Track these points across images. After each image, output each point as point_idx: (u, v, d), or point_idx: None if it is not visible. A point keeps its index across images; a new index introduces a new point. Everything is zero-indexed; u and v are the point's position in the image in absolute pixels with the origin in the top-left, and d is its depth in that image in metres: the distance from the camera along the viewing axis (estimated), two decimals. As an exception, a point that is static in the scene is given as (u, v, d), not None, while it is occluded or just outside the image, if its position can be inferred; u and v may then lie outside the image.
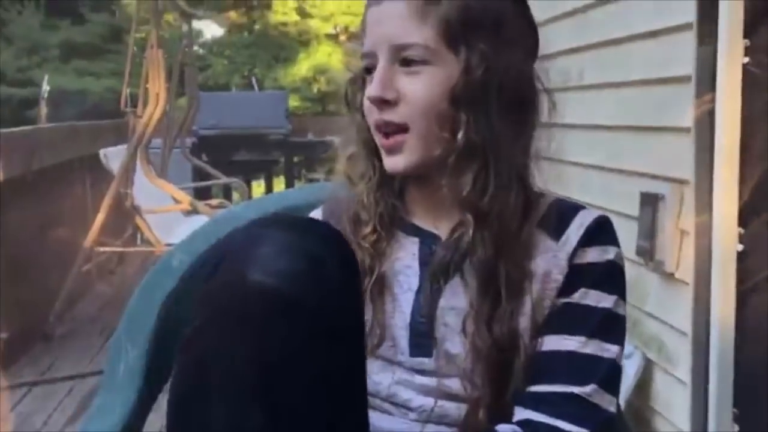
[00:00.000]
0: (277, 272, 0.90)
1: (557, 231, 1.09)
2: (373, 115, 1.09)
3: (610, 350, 1.06)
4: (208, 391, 0.90)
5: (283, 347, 0.90)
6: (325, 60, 16.72)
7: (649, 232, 2.66)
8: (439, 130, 1.06)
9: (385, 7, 1.08)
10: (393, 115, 1.07)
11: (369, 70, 1.09)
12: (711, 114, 2.35)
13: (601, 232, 1.10)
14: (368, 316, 1.08)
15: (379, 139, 1.09)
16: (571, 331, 1.05)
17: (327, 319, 0.92)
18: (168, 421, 0.94)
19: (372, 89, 1.07)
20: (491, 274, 1.05)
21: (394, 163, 1.09)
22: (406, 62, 1.06)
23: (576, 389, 1.03)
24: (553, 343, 1.06)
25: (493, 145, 1.05)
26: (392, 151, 1.08)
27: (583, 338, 1.05)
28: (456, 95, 1.05)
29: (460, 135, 1.05)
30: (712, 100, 2.34)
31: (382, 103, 1.07)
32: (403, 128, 1.07)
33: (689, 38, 2.44)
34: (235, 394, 0.89)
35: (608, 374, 1.05)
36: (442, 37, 1.05)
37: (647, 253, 2.67)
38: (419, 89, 1.06)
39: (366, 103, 1.10)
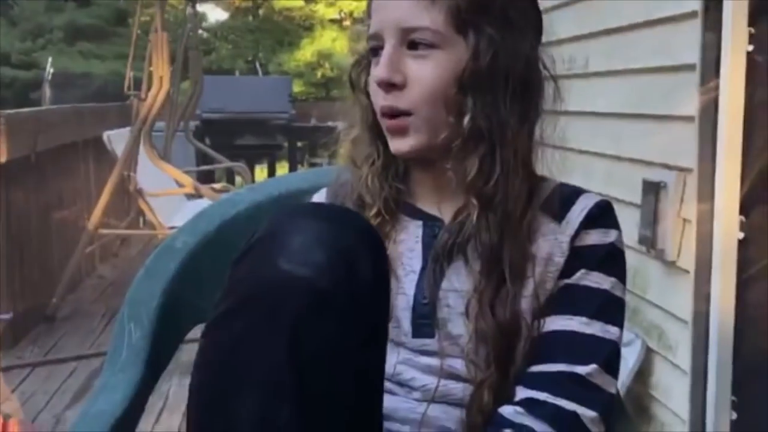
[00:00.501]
0: (309, 263, 0.90)
1: (559, 214, 1.09)
2: (379, 99, 1.09)
3: (610, 331, 1.07)
4: (235, 380, 0.90)
5: (312, 339, 0.89)
6: (329, 45, 16.69)
7: (651, 220, 2.66)
8: (445, 114, 1.06)
9: None
10: (399, 101, 1.07)
11: (375, 51, 1.09)
12: (715, 103, 2.35)
13: (603, 215, 1.11)
14: None
15: (384, 121, 1.09)
16: (573, 312, 1.06)
17: (357, 314, 0.92)
18: (192, 406, 0.94)
19: (379, 71, 1.07)
20: (495, 257, 1.05)
21: (399, 145, 1.09)
22: (414, 45, 1.06)
23: (578, 369, 1.04)
24: (555, 323, 1.06)
25: (498, 130, 1.06)
26: (398, 133, 1.08)
27: (584, 318, 1.06)
28: (463, 80, 1.05)
29: (466, 120, 1.05)
30: (716, 89, 2.34)
31: (389, 86, 1.07)
32: (408, 112, 1.07)
33: (694, 26, 2.43)
34: (263, 385, 0.89)
35: (609, 355, 1.06)
36: (450, 22, 1.05)
37: (649, 241, 2.68)
38: (427, 73, 1.06)
39: (372, 85, 1.10)
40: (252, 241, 0.95)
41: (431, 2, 1.05)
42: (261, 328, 0.89)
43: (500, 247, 1.05)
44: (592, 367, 1.04)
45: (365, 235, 0.97)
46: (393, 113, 1.07)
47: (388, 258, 1.02)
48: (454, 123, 1.06)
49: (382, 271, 0.97)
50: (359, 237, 0.95)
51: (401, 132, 1.08)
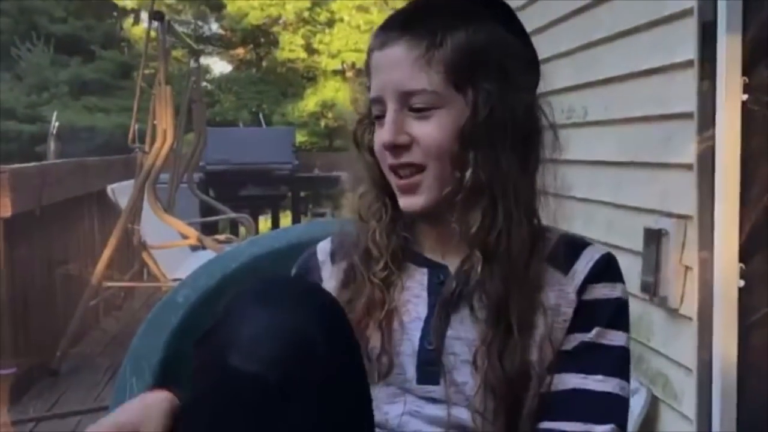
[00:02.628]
0: (258, 357, 0.89)
1: (565, 265, 1.10)
2: (387, 159, 1.10)
3: (626, 389, 1.08)
4: None
5: (274, 429, 0.88)
6: (332, 95, 16.82)
7: (653, 267, 2.66)
8: (450, 169, 1.08)
9: (388, 52, 1.09)
10: (409, 157, 1.08)
11: (378, 113, 1.11)
12: (712, 150, 2.37)
13: (609, 268, 1.12)
14: (377, 344, 1.10)
15: (393, 180, 1.11)
16: (591, 370, 1.07)
17: (321, 399, 0.91)
18: None
19: (384, 136, 1.08)
20: (501, 308, 1.06)
21: (411, 203, 1.10)
22: (416, 108, 1.08)
23: (597, 429, 1.05)
24: (570, 381, 1.07)
25: (500, 183, 1.07)
26: (408, 191, 1.10)
27: (600, 376, 1.07)
28: (464, 135, 1.07)
29: (468, 174, 1.07)
30: (713, 137, 2.36)
31: (396, 147, 1.08)
32: (419, 168, 1.09)
33: (690, 76, 2.46)
34: None
35: (624, 412, 1.08)
36: (448, 80, 1.07)
37: (651, 289, 2.68)
38: (431, 132, 1.07)
39: (378, 147, 1.11)
40: (208, 329, 0.94)
41: (427, 63, 1.07)
42: (224, 420, 0.89)
43: (506, 298, 1.06)
44: (611, 426, 1.05)
45: (322, 315, 0.96)
46: (403, 169, 1.09)
47: (352, 333, 1.00)
48: (458, 177, 1.08)
49: (342, 345, 0.96)
50: (314, 319, 0.94)
51: (412, 190, 1.10)
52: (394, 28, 1.10)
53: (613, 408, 1.07)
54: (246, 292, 0.97)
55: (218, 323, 0.94)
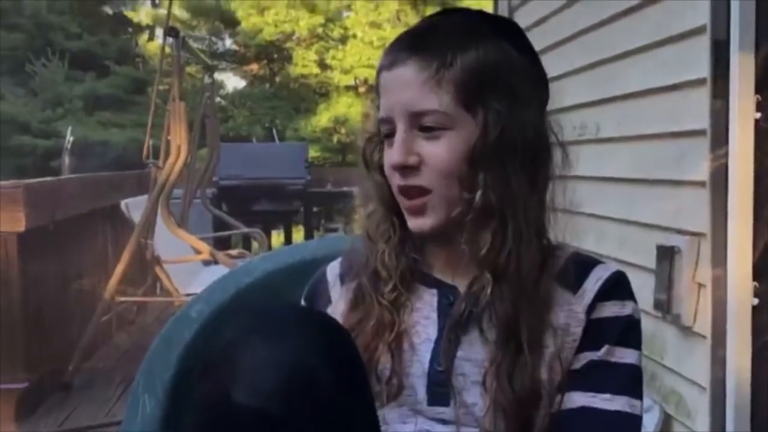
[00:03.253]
0: (260, 391, 0.89)
1: (575, 284, 1.10)
2: (395, 180, 1.10)
3: (636, 406, 1.08)
4: None
5: None
6: (345, 111, 16.87)
7: (666, 285, 2.66)
8: (459, 191, 1.08)
9: (398, 73, 1.09)
10: (417, 179, 1.08)
11: (388, 133, 1.11)
12: (725, 168, 2.37)
13: (618, 286, 1.11)
14: (387, 365, 1.09)
15: (402, 201, 1.11)
16: (599, 389, 1.07)
17: (326, 423, 0.92)
18: None
19: (394, 157, 1.08)
20: (511, 329, 1.06)
21: (419, 224, 1.10)
22: (425, 126, 1.08)
23: None
24: (580, 399, 1.06)
25: (509, 204, 1.07)
26: (417, 212, 1.10)
27: (609, 395, 1.06)
28: (474, 156, 1.06)
29: (478, 195, 1.06)
30: (726, 155, 2.36)
31: (405, 168, 1.08)
32: (426, 190, 1.08)
33: (703, 93, 2.46)
34: None
35: (634, 430, 1.07)
36: (458, 101, 1.06)
37: (665, 306, 2.67)
38: (441, 153, 1.07)
39: (387, 167, 1.11)
40: (208, 362, 0.95)
41: (437, 84, 1.06)
42: None
43: (516, 318, 1.06)
44: None
45: (322, 341, 0.96)
46: (411, 191, 1.09)
47: (358, 355, 1.01)
48: (468, 198, 1.07)
49: (348, 370, 0.97)
50: (315, 347, 0.94)
51: (420, 212, 1.09)
52: (403, 48, 1.09)
53: (623, 427, 1.06)
54: (244, 324, 0.98)
55: (218, 357, 0.94)
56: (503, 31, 1.13)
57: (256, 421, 0.89)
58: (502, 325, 1.06)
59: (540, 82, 1.14)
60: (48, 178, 5.71)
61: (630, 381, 1.08)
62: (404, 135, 1.08)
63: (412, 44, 1.09)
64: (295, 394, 0.90)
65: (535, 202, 1.10)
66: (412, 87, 1.07)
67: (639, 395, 1.09)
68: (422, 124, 1.08)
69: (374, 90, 1.15)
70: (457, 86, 1.06)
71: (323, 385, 0.92)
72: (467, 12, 1.16)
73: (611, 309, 1.09)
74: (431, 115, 1.07)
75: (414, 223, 1.10)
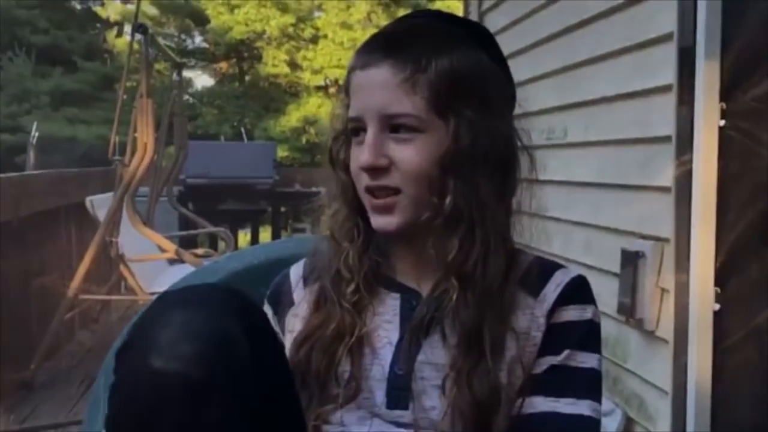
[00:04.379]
0: (180, 356, 0.89)
1: (536, 289, 1.10)
2: (363, 180, 1.10)
3: (597, 410, 1.08)
4: None
5: (201, 429, 0.89)
6: (314, 111, 16.83)
7: (630, 289, 2.68)
8: (429, 195, 1.08)
9: (372, 74, 1.08)
10: (386, 180, 1.08)
11: (356, 131, 1.11)
12: (690, 174, 2.39)
13: (579, 291, 1.12)
14: (346, 368, 1.09)
15: (368, 199, 1.10)
16: (560, 393, 1.07)
17: (245, 395, 0.92)
18: None
19: (364, 158, 1.08)
20: (474, 334, 1.06)
21: (385, 223, 1.09)
22: (396, 129, 1.08)
23: None
24: (543, 404, 1.07)
25: (478, 210, 1.07)
26: (383, 211, 1.09)
27: (571, 399, 1.07)
28: (445, 162, 1.07)
29: (447, 200, 1.06)
30: (691, 161, 2.38)
31: (375, 170, 1.08)
32: (396, 191, 1.08)
33: (669, 99, 2.49)
34: None
35: None
36: (431, 106, 1.06)
37: (628, 311, 2.69)
38: (411, 156, 1.07)
39: (355, 167, 1.11)
40: (128, 337, 0.94)
41: (411, 87, 1.06)
42: (153, 422, 0.89)
43: (480, 324, 1.06)
44: None
45: (239, 313, 0.96)
46: (380, 191, 1.08)
47: (274, 333, 1.02)
48: (436, 202, 1.07)
49: (265, 346, 0.97)
50: (231, 317, 0.95)
51: (386, 210, 1.09)
52: (378, 49, 1.09)
53: (586, 429, 1.06)
54: (164, 299, 0.98)
55: (137, 330, 0.94)
56: (476, 37, 1.13)
57: (178, 386, 0.89)
58: (465, 330, 1.06)
59: (509, 90, 1.15)
60: (12, 174, 5.64)
61: (591, 385, 1.09)
62: (375, 137, 1.08)
63: (386, 46, 1.09)
64: (216, 359, 0.90)
65: (503, 208, 1.11)
66: (386, 89, 1.07)
67: (600, 399, 1.10)
68: (394, 128, 1.08)
69: (344, 89, 1.15)
70: (431, 91, 1.06)
71: (243, 353, 0.92)
72: (440, 15, 1.17)
73: (572, 313, 1.10)
74: (404, 118, 1.07)
75: (379, 222, 1.10)
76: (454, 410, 1.05)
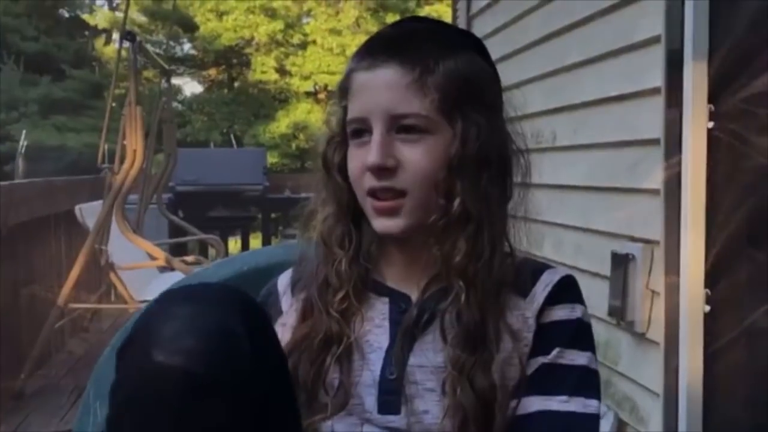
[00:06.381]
0: (181, 350, 0.89)
1: (525, 289, 1.10)
2: (367, 182, 1.09)
3: (591, 405, 1.08)
4: None
5: (200, 425, 0.89)
6: (304, 117, 16.84)
7: (620, 292, 2.68)
8: (435, 196, 1.07)
9: (378, 75, 1.08)
10: (392, 181, 1.07)
11: (358, 133, 1.10)
12: (679, 177, 2.40)
13: (567, 290, 1.12)
14: (335, 377, 1.09)
15: (370, 201, 1.09)
16: (553, 391, 1.07)
17: (245, 392, 0.92)
18: None
19: (372, 158, 1.07)
20: (477, 333, 1.06)
21: (389, 225, 1.09)
22: (403, 129, 1.07)
23: None
24: (535, 404, 1.07)
25: (486, 212, 1.07)
26: (388, 213, 1.09)
27: (564, 397, 1.07)
28: (453, 165, 1.07)
29: (456, 202, 1.06)
30: (680, 164, 2.39)
31: (381, 170, 1.07)
32: (401, 193, 1.08)
33: (658, 102, 2.50)
34: None
35: (592, 429, 1.07)
36: (439, 108, 1.07)
37: (619, 313, 2.70)
38: (419, 158, 1.07)
39: (354, 167, 1.10)
40: (131, 333, 0.94)
41: (420, 88, 1.06)
42: (154, 416, 0.89)
43: (482, 324, 1.06)
44: None
45: (241, 311, 0.96)
46: (386, 193, 1.08)
47: (274, 331, 1.03)
48: (443, 204, 1.07)
49: (266, 345, 0.98)
50: (234, 315, 0.95)
51: (392, 212, 1.08)
52: (382, 51, 1.09)
53: (581, 426, 1.06)
54: (166, 296, 0.98)
55: (140, 326, 0.94)
56: (471, 43, 1.15)
57: (178, 380, 0.88)
58: (467, 330, 1.06)
59: (500, 91, 1.15)
60: (0, 183, 5.62)
61: (584, 382, 1.08)
62: (382, 137, 1.07)
63: (392, 48, 1.09)
64: (218, 355, 0.90)
65: (505, 210, 1.11)
66: (394, 89, 1.07)
67: (594, 395, 1.09)
68: (401, 128, 1.07)
69: (340, 91, 1.14)
70: (439, 92, 1.07)
71: (244, 349, 0.92)
72: (438, 21, 1.18)
73: (560, 313, 1.10)
74: (412, 118, 1.07)
75: (383, 224, 1.09)
76: (455, 410, 1.04)
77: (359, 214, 1.13)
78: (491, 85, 1.12)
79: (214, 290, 1.01)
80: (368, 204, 1.10)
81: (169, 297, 0.97)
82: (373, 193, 1.09)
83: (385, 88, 1.07)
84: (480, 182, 1.07)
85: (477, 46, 1.15)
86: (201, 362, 0.89)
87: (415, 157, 1.07)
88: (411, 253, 1.12)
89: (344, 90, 1.13)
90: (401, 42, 1.10)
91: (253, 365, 0.93)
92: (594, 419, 1.08)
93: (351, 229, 1.13)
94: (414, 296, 1.12)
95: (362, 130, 1.09)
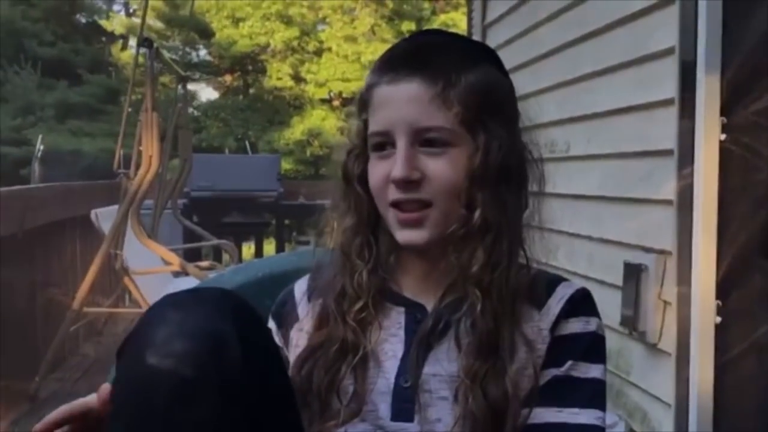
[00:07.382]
0: (172, 353, 0.91)
1: (540, 302, 1.12)
2: (391, 194, 1.10)
3: (602, 418, 1.09)
4: None
5: (189, 427, 0.91)
6: (318, 124, 16.86)
7: (632, 302, 2.68)
8: (458, 207, 1.09)
9: (402, 89, 1.10)
10: (417, 193, 1.09)
11: (381, 146, 1.12)
12: (691, 187, 2.41)
13: (582, 304, 1.13)
14: (350, 384, 1.10)
15: (394, 213, 1.11)
16: (564, 403, 1.08)
17: (235, 396, 0.93)
18: None
19: (398, 171, 1.08)
20: (491, 343, 1.07)
21: (413, 237, 1.10)
22: (427, 142, 1.09)
23: None
24: (548, 415, 1.08)
25: (505, 222, 1.09)
26: (412, 225, 1.10)
27: (576, 409, 1.08)
28: (475, 176, 1.08)
29: (477, 213, 1.08)
30: (692, 174, 2.39)
31: (407, 183, 1.09)
32: (426, 204, 1.10)
33: (671, 113, 2.50)
34: None
35: None
36: (462, 121, 1.09)
37: (631, 323, 2.70)
38: (443, 170, 1.09)
39: (378, 180, 1.11)
40: (127, 336, 0.97)
41: (443, 102, 1.08)
42: (144, 419, 0.91)
43: (496, 334, 1.07)
44: None
45: (233, 315, 0.98)
46: (411, 204, 1.09)
47: (269, 335, 1.05)
48: (465, 215, 1.09)
49: (259, 348, 0.99)
50: (225, 319, 0.96)
51: (416, 224, 1.10)
52: (404, 65, 1.11)
53: None
54: (162, 301, 1.00)
55: (135, 330, 0.96)
56: (488, 55, 1.17)
57: (168, 382, 0.91)
58: (482, 339, 1.07)
59: (516, 102, 1.17)
60: (17, 187, 5.67)
61: (596, 395, 1.10)
62: (407, 150, 1.09)
63: (414, 62, 1.10)
64: (207, 358, 0.92)
65: (520, 219, 1.13)
66: (418, 103, 1.09)
67: (604, 408, 1.11)
68: (425, 141, 1.09)
69: (360, 104, 1.16)
70: (461, 105, 1.08)
71: (234, 353, 0.94)
72: (454, 35, 1.20)
73: (575, 326, 1.11)
74: (436, 131, 1.09)
75: (407, 235, 1.10)
76: (466, 419, 1.06)
77: (377, 225, 1.15)
78: (509, 96, 1.14)
79: (207, 295, 1.03)
80: (391, 215, 1.11)
81: (163, 302, 1.00)
82: (396, 205, 1.10)
83: (408, 102, 1.09)
84: (499, 193, 1.09)
85: (493, 59, 1.17)
86: (190, 365, 0.91)
87: (440, 169, 1.08)
88: (429, 263, 1.14)
89: (364, 103, 1.14)
90: (422, 56, 1.11)
91: (245, 368, 0.94)
92: (602, 431, 1.09)
93: (371, 240, 1.15)
94: (430, 306, 1.13)
95: (384, 143, 1.11)
